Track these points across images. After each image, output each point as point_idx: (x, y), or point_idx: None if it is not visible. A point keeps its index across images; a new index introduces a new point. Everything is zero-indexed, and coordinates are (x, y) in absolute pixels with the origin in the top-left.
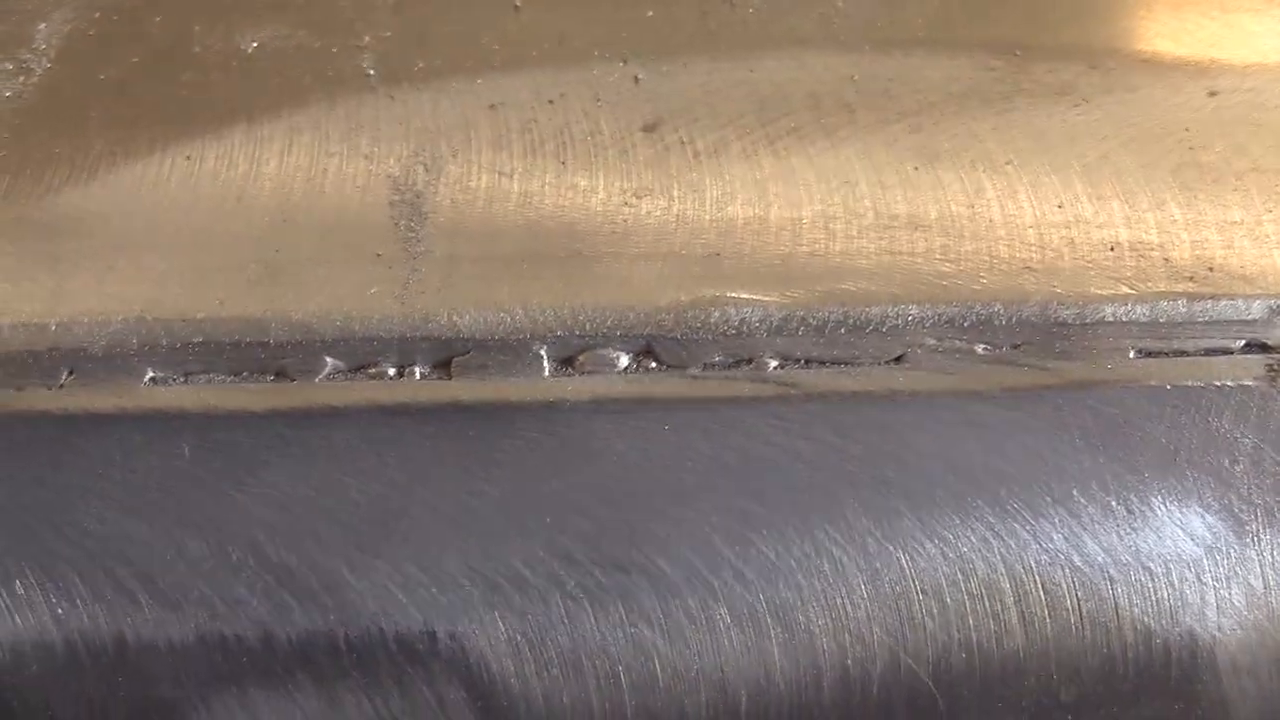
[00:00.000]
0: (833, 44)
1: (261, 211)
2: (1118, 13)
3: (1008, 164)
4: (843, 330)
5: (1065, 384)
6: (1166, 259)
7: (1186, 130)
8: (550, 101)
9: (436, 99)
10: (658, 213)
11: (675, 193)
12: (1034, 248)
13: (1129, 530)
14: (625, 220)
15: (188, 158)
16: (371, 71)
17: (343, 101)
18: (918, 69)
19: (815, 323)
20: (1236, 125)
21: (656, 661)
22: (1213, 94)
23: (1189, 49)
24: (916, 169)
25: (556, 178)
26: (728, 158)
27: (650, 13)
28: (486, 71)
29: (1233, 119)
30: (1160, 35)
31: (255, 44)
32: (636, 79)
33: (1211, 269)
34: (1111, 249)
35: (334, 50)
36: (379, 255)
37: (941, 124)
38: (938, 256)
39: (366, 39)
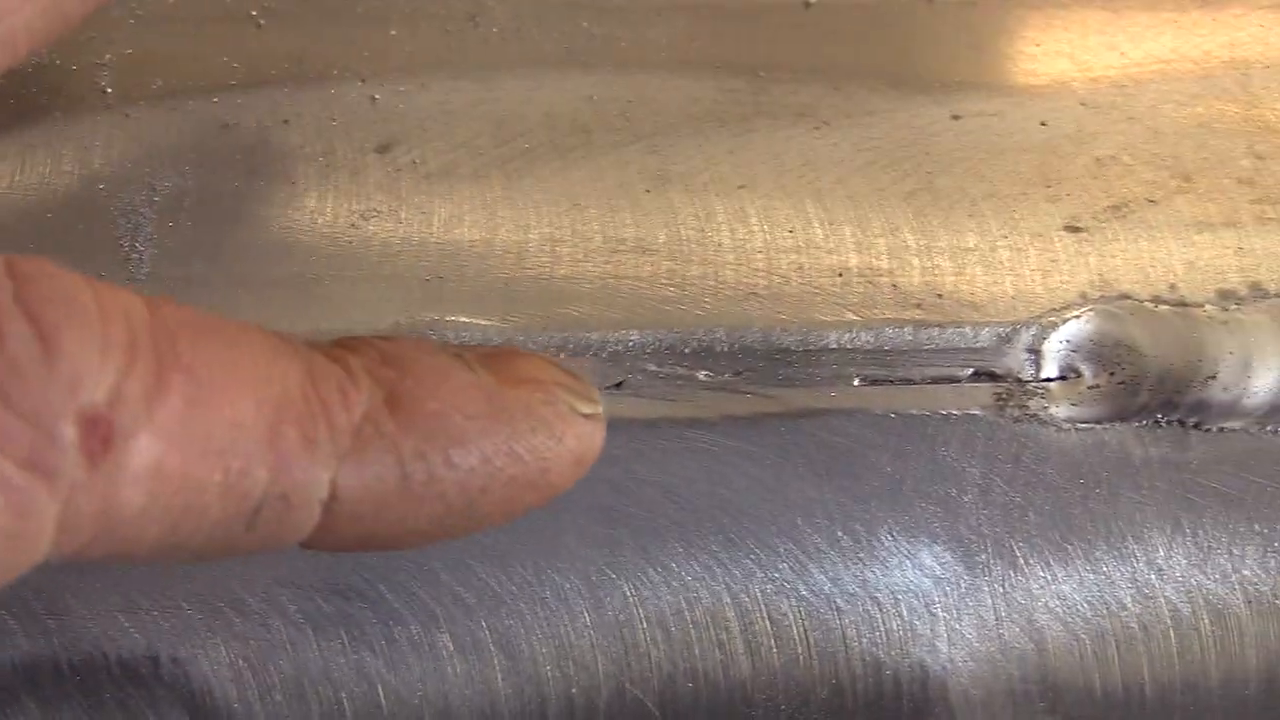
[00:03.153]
0: (574, 64)
1: None
2: (863, 35)
3: (741, 187)
4: (561, 355)
5: (789, 412)
6: (895, 285)
7: (926, 154)
8: (285, 121)
9: (171, 118)
10: (383, 234)
11: (403, 215)
12: (761, 273)
13: (856, 560)
14: (350, 242)
15: None
16: (109, 90)
17: (78, 120)
18: (657, 90)
19: (534, 347)
20: (976, 150)
21: (380, 688)
22: (956, 118)
23: (935, 72)
24: (649, 192)
25: (286, 199)
26: (458, 179)
27: (392, 31)
28: (222, 91)
29: (973, 144)
30: (908, 57)
31: None
32: (373, 99)
33: (940, 296)
34: (840, 275)
35: (73, 68)
36: (102, 276)
37: (677, 146)
38: (663, 281)
39: (107, 57)
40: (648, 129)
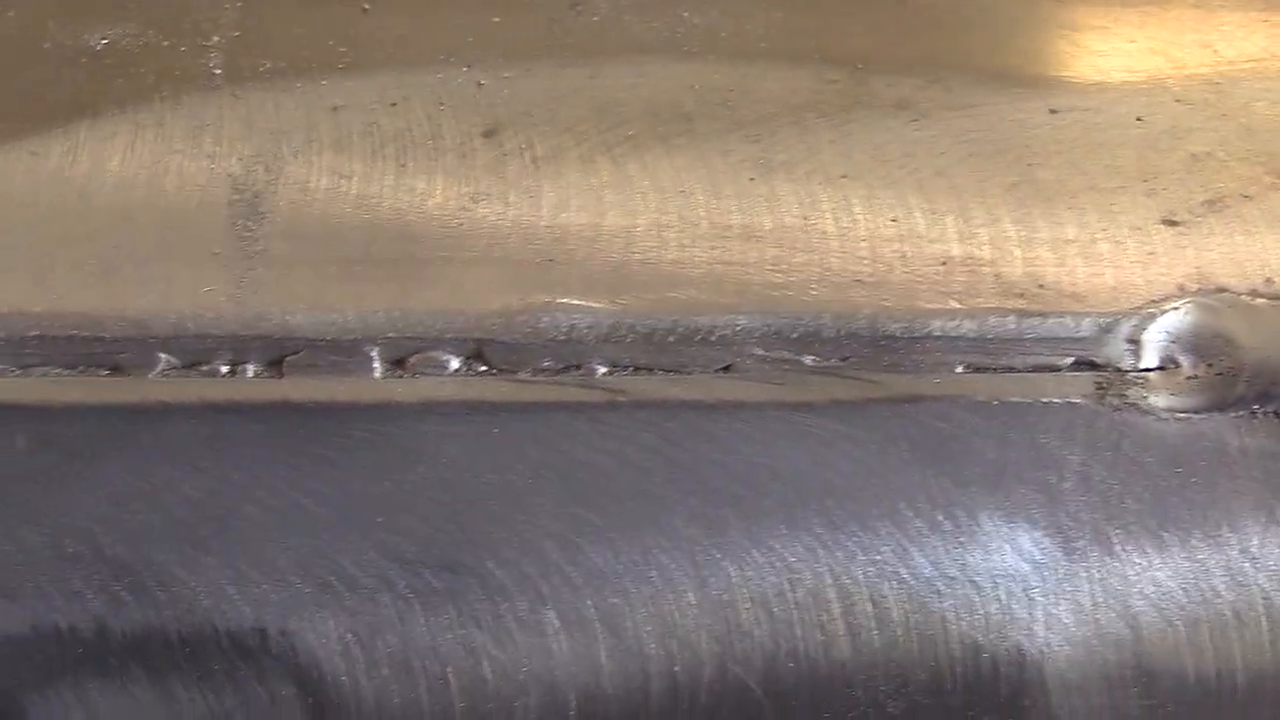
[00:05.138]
0: (675, 53)
1: (103, 209)
2: (961, 28)
3: (843, 177)
4: (672, 339)
5: (893, 397)
6: (997, 275)
7: (1025, 147)
8: (393, 105)
9: (280, 100)
10: (493, 217)
11: (511, 198)
12: (866, 261)
13: (956, 545)
14: (460, 224)
15: (32, 153)
16: (218, 71)
17: (188, 100)
18: (758, 80)
19: (644, 330)
20: (1074, 143)
21: (486, 664)
22: (1053, 111)
23: (1032, 66)
24: (752, 180)
25: (395, 180)
26: (565, 164)
27: (496, 18)
28: (331, 73)
29: (1071, 137)
30: (1004, 51)
31: (104, 41)
32: (479, 84)
33: (1042, 286)
34: (943, 264)
35: (181, 49)
36: (216, 254)
37: (779, 135)
38: (769, 267)
39: (214, 39)
40: (749, 118)
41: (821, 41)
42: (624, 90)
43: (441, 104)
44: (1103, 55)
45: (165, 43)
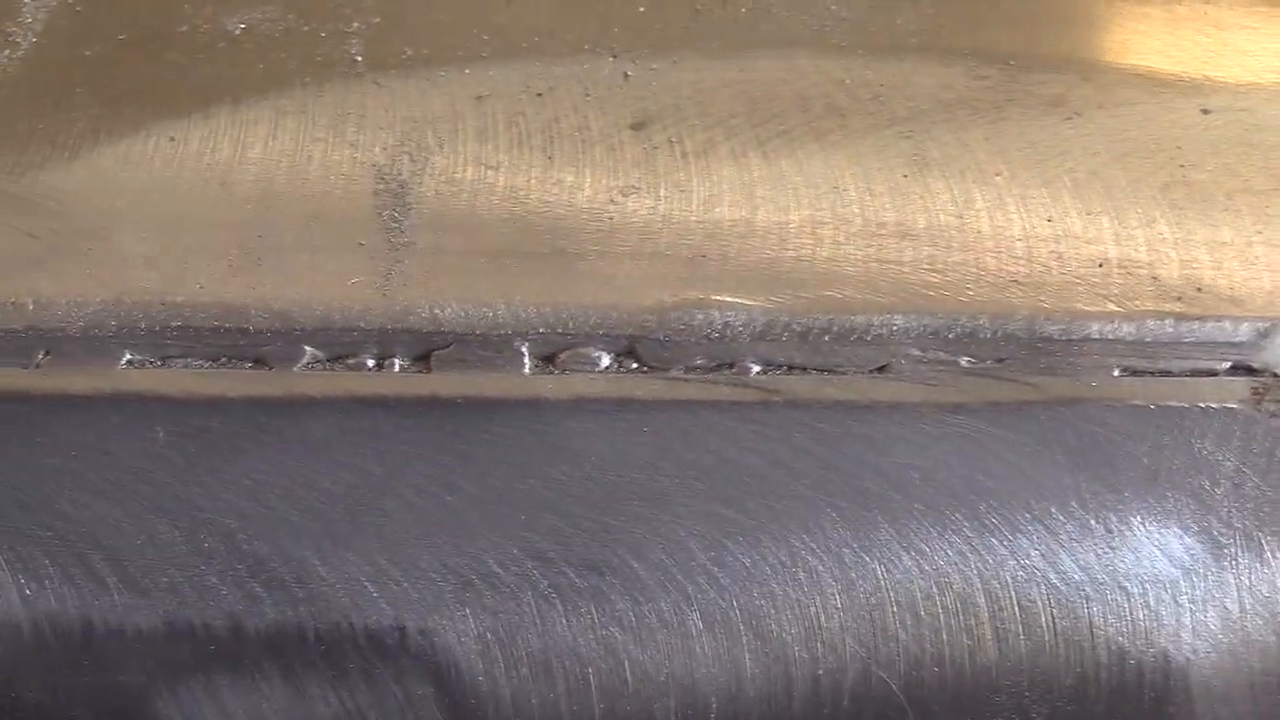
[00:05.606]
0: (824, 47)
1: (245, 196)
2: (1111, 26)
3: (997, 175)
4: (827, 338)
5: (1049, 400)
6: (1155, 278)
7: (1178, 148)
8: (539, 95)
9: (424, 88)
10: (644, 212)
11: (662, 192)
12: (1021, 261)
13: (1106, 549)
14: (611, 218)
15: (171, 139)
16: (359, 58)
17: (330, 87)
18: (909, 75)
19: (799, 329)
20: (1228, 145)
21: (627, 665)
22: (1206, 112)
23: (1183, 65)
24: (906, 177)
25: (543, 172)
26: (716, 158)
27: (641, 8)
28: (475, 62)
29: (1225, 138)
30: (1154, 50)
31: (243, 26)
32: (626, 75)
33: (1200, 289)
34: (1099, 265)
35: (322, 35)
36: (361, 245)
37: (932, 132)
38: (925, 266)
39: (355, 25)
40: (902, 113)
41: (971, 37)
42: (775, 84)
43: (588, 94)
44: (1253, 55)
45: (305, 28)
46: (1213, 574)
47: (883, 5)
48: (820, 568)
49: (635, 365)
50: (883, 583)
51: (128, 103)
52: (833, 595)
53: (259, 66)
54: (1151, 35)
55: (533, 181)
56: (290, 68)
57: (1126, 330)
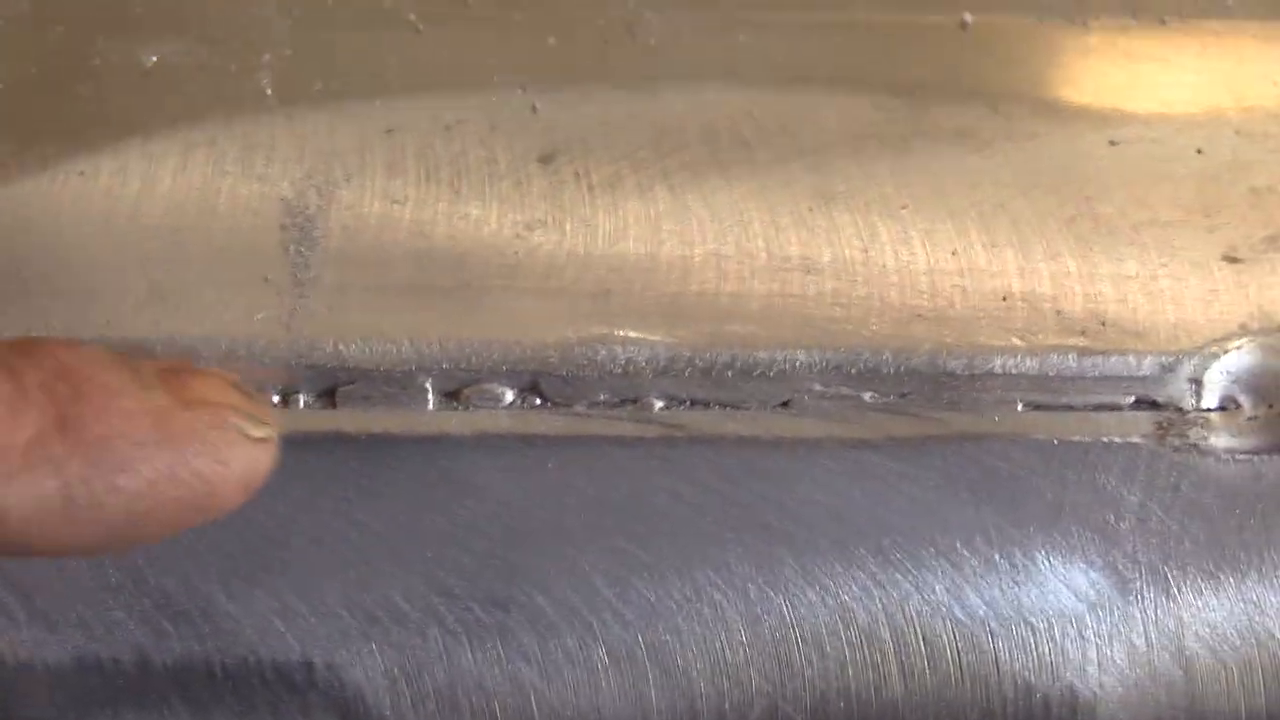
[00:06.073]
0: (733, 79)
1: (153, 231)
2: (1021, 57)
3: (903, 208)
4: (730, 373)
5: (952, 435)
6: (1059, 311)
7: (1085, 179)
8: (447, 128)
9: (333, 121)
10: (549, 246)
11: (568, 226)
12: (925, 295)
13: (1012, 584)
14: (516, 253)
15: (81, 173)
16: (270, 91)
17: (239, 120)
18: (817, 107)
19: (702, 364)
20: (1136, 176)
21: (533, 700)
22: (1114, 144)
23: (1092, 96)
24: (811, 210)
25: (449, 206)
26: (622, 192)
27: (551, 40)
28: (384, 95)
29: (1132, 170)
30: (1064, 81)
31: (155, 58)
32: (534, 108)
33: (1104, 324)
34: (1004, 299)
35: (233, 68)
36: (268, 280)
37: (838, 164)
38: (829, 301)
39: (266, 57)
40: (809, 146)
41: (880, 69)
42: (681, 116)
43: (495, 128)
44: (1164, 86)
45: (217, 61)
46: (1118, 608)
47: (792, 36)
48: (725, 603)
49: (539, 401)
50: (788, 618)
51: (37, 137)
52: (738, 630)
53: (169, 100)
54: (1062, 66)
55: (439, 215)
56: (201, 101)
57: (1030, 365)
